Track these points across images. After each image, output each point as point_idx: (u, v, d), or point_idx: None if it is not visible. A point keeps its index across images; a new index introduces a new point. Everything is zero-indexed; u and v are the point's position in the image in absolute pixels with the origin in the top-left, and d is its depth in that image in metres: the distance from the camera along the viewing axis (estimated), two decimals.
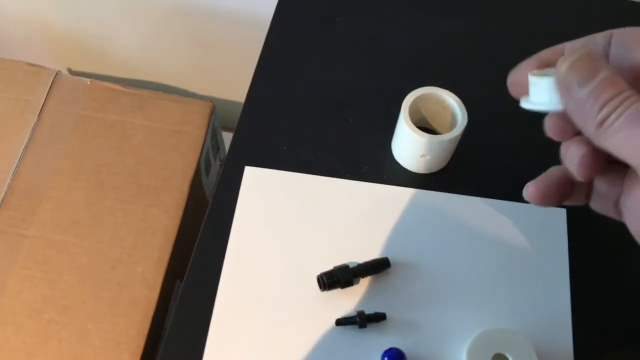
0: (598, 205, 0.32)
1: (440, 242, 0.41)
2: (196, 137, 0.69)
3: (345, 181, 0.43)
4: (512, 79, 0.32)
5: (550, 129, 0.31)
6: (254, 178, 0.43)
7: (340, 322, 0.38)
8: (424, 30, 0.51)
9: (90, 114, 0.69)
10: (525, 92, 0.30)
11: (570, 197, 0.32)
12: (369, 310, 0.39)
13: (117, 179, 0.65)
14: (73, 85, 0.71)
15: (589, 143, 0.28)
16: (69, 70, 0.96)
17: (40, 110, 0.69)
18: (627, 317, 0.40)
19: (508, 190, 0.42)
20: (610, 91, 0.25)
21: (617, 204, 0.30)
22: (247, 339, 0.38)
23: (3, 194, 0.64)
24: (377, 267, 0.40)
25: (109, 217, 0.63)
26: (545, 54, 0.31)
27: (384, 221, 0.42)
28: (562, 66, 0.27)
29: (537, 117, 0.41)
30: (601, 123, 0.25)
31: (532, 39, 0.51)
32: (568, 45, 0.30)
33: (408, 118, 0.40)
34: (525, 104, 0.29)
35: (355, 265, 0.40)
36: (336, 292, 0.40)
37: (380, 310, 0.39)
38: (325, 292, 0.39)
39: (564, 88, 0.27)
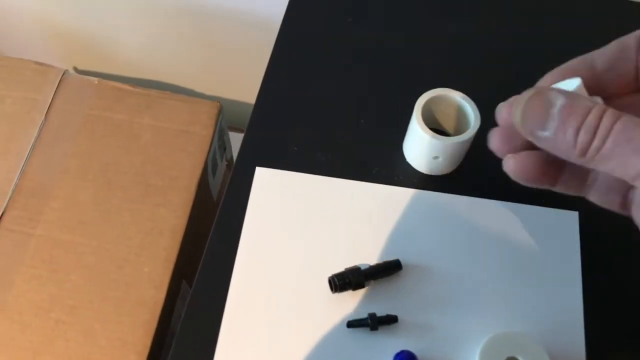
0: (602, 197, 0.29)
1: (451, 244, 0.41)
2: (203, 137, 0.68)
3: (357, 182, 0.43)
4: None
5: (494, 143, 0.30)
6: (265, 179, 0.43)
7: (351, 324, 0.38)
8: (436, 31, 0.51)
9: (98, 113, 0.69)
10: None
11: (560, 182, 0.30)
12: (380, 312, 0.38)
13: (125, 179, 0.65)
14: (80, 84, 0.71)
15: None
16: (75, 70, 0.96)
17: (48, 109, 0.69)
18: None
19: (520, 192, 0.42)
20: (575, 119, 0.24)
21: (625, 197, 0.28)
22: (258, 340, 0.38)
23: (10, 192, 0.64)
24: (389, 269, 0.40)
25: (116, 216, 0.63)
26: (574, 64, 0.29)
27: (395, 223, 0.42)
28: (516, 116, 0.26)
29: None
30: (584, 152, 0.24)
31: (545, 40, 0.51)
32: (596, 55, 0.29)
33: (421, 120, 0.39)
34: None
35: (367, 267, 0.39)
36: (347, 294, 0.39)
37: (391, 312, 0.39)
38: (337, 294, 0.39)
39: (528, 135, 0.26)
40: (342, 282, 0.39)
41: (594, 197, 0.30)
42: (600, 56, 0.29)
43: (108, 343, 0.57)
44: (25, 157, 0.66)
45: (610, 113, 0.24)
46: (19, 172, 0.65)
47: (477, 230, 0.41)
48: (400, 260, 0.40)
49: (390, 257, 0.40)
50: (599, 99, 0.26)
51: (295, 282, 0.40)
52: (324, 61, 0.49)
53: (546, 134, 0.25)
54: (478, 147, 0.42)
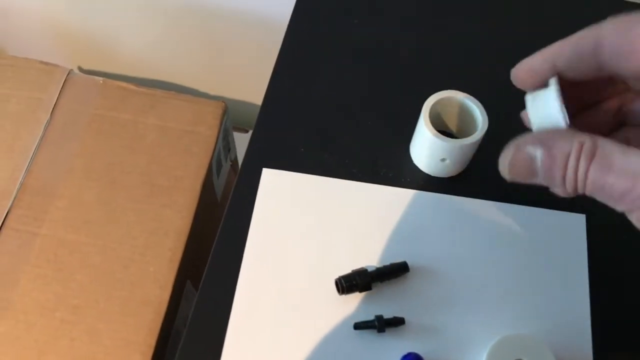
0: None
1: (459, 246, 0.41)
2: (208, 137, 0.68)
3: (364, 184, 0.43)
4: (516, 73, 0.32)
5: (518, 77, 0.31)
6: (271, 180, 0.43)
7: (358, 326, 0.38)
8: (443, 32, 0.51)
9: (103, 113, 0.69)
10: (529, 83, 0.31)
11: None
12: (387, 314, 0.38)
13: (130, 179, 0.65)
14: (85, 84, 0.71)
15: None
16: (80, 69, 0.96)
17: (53, 108, 0.69)
18: None
19: (527, 195, 0.42)
20: (557, 170, 0.27)
21: None
22: (265, 341, 0.38)
23: (15, 192, 0.64)
24: (396, 272, 0.40)
25: (121, 216, 0.63)
26: (537, 63, 0.31)
27: (402, 225, 0.42)
28: (503, 172, 0.29)
29: None
30: (574, 192, 0.27)
31: (550, 41, 0.51)
32: (556, 56, 0.31)
33: (429, 122, 0.39)
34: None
35: (374, 269, 0.39)
36: (354, 296, 0.39)
37: (398, 314, 0.38)
38: (343, 296, 0.39)
39: (520, 180, 0.29)
40: (349, 283, 0.39)
41: None
42: (559, 57, 0.30)
43: (112, 342, 0.57)
44: (30, 156, 0.66)
45: (584, 156, 0.26)
46: (24, 171, 0.65)
47: (484, 232, 0.41)
48: (407, 262, 0.40)
49: (397, 259, 0.40)
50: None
51: (302, 284, 0.40)
52: (331, 62, 0.49)
53: (536, 180, 0.28)
54: (485, 150, 0.42)
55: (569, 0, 0.53)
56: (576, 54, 0.29)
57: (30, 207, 0.63)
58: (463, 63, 0.49)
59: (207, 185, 0.67)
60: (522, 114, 0.32)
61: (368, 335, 0.38)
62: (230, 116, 0.74)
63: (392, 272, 0.39)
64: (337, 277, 0.39)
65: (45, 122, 0.68)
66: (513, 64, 0.49)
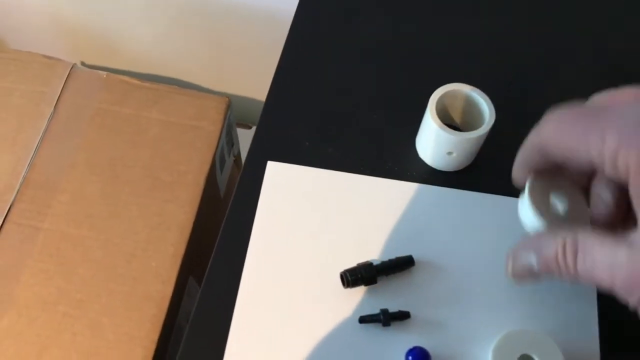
0: None
1: (465, 240, 0.41)
2: (212, 133, 0.68)
3: (369, 178, 0.43)
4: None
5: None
6: (276, 173, 0.43)
7: (363, 319, 0.38)
8: (448, 26, 0.51)
9: (106, 107, 0.69)
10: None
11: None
12: (392, 308, 0.38)
13: (132, 173, 0.65)
14: (89, 78, 0.71)
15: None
16: (83, 65, 0.96)
17: (56, 102, 0.69)
18: None
19: None
20: (553, 269, 0.30)
21: None
22: (269, 335, 0.38)
23: (18, 185, 0.64)
24: (401, 265, 0.39)
25: (123, 211, 0.63)
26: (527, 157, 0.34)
27: (408, 219, 0.41)
28: (510, 279, 0.34)
29: None
30: (574, 281, 0.30)
31: (557, 36, 0.50)
32: (522, 158, 0.35)
33: (435, 115, 0.39)
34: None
35: (379, 262, 0.39)
36: (359, 290, 0.39)
37: (403, 308, 0.38)
38: (348, 290, 0.39)
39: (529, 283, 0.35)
40: (354, 277, 0.38)
41: None
42: (527, 162, 0.34)
43: (115, 337, 0.57)
44: (33, 150, 0.66)
45: (569, 253, 0.29)
46: (27, 165, 0.65)
47: (491, 226, 0.41)
48: (413, 256, 0.39)
49: (403, 253, 0.40)
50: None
51: (307, 277, 0.39)
52: (336, 56, 0.49)
53: (541, 280, 0.33)
54: (491, 143, 0.42)
55: None
56: (535, 157, 0.33)
57: (33, 202, 0.63)
58: (469, 57, 0.49)
59: (211, 181, 0.67)
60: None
61: (373, 329, 0.38)
62: (233, 111, 0.74)
63: (398, 266, 0.39)
64: (342, 270, 0.39)
65: (49, 116, 0.68)
66: (519, 58, 0.49)
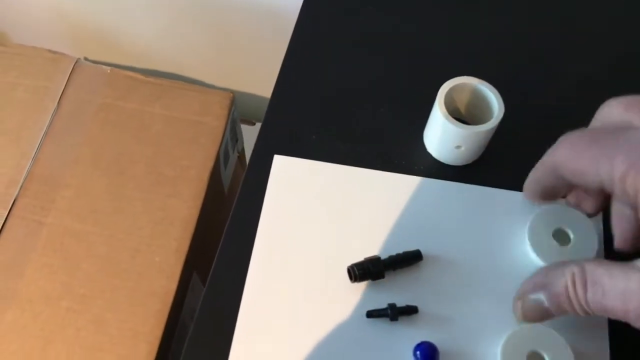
0: None
1: (473, 235, 0.40)
2: (216, 128, 0.68)
3: (377, 172, 0.43)
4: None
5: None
6: (283, 167, 0.43)
7: (371, 314, 0.38)
8: (456, 19, 0.50)
9: (110, 102, 0.69)
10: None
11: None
12: (400, 303, 0.38)
13: (136, 169, 0.65)
14: (93, 73, 0.71)
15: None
16: (85, 59, 0.95)
17: (60, 97, 0.69)
18: None
19: None
20: (564, 304, 0.31)
21: None
22: (275, 329, 0.38)
23: (22, 180, 0.63)
24: (409, 260, 0.39)
25: (127, 206, 0.63)
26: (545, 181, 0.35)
27: (416, 213, 0.41)
28: (519, 319, 0.35)
29: (573, 109, 0.41)
30: (587, 314, 0.30)
31: (565, 30, 0.50)
32: (534, 178, 0.37)
33: (444, 108, 0.39)
34: None
35: (387, 257, 0.39)
36: (366, 284, 0.39)
37: (411, 303, 0.38)
38: (356, 284, 0.39)
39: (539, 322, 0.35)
40: (362, 271, 0.38)
41: None
42: (540, 182, 0.36)
43: (119, 332, 0.57)
44: (37, 145, 0.66)
45: (579, 286, 0.29)
46: (31, 160, 0.65)
47: (499, 221, 0.41)
48: (421, 250, 0.39)
49: (410, 248, 0.39)
50: None
51: (314, 271, 0.39)
52: (343, 50, 0.49)
53: (553, 318, 0.33)
54: (500, 137, 0.41)
55: None
56: (547, 177, 0.34)
57: (37, 196, 0.63)
58: (477, 51, 0.49)
59: (215, 176, 0.67)
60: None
61: (381, 324, 0.38)
62: (237, 107, 0.74)
63: (406, 260, 0.39)
64: (349, 264, 0.39)
65: (52, 111, 0.68)
66: (528, 51, 0.49)
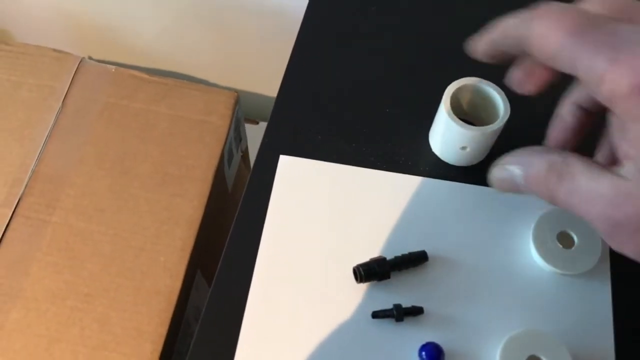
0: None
1: (478, 236, 0.40)
2: (220, 127, 0.68)
3: (382, 172, 0.43)
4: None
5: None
6: (288, 167, 0.43)
7: (376, 314, 0.38)
8: (462, 19, 0.50)
9: (115, 102, 0.69)
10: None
11: None
12: (405, 303, 0.38)
13: (141, 168, 0.65)
14: (97, 72, 0.71)
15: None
16: (90, 59, 0.95)
17: (65, 96, 0.69)
18: None
19: None
20: (533, 186, 0.29)
21: None
22: (281, 329, 0.38)
23: (27, 179, 0.64)
24: (415, 260, 0.39)
25: (132, 205, 0.63)
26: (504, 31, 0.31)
27: (421, 214, 0.41)
28: (493, 187, 0.32)
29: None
30: (555, 202, 0.28)
31: None
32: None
33: (450, 109, 0.39)
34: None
35: (392, 257, 0.39)
36: (372, 285, 0.39)
37: (416, 304, 0.38)
38: (361, 285, 0.39)
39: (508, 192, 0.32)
40: (367, 272, 0.38)
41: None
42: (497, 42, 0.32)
43: (123, 331, 0.57)
44: (42, 144, 0.66)
45: (555, 177, 0.28)
46: (35, 159, 0.65)
47: (504, 223, 0.41)
48: (426, 251, 0.39)
49: (416, 248, 0.39)
50: None
51: (320, 272, 0.39)
52: (348, 49, 0.49)
53: (521, 193, 0.31)
54: (506, 138, 0.41)
55: None
56: (508, 44, 0.31)
57: (42, 195, 0.63)
58: None
59: (219, 175, 0.67)
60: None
61: (386, 325, 0.38)
62: (241, 106, 0.74)
63: (411, 261, 0.39)
64: (355, 265, 0.39)
65: (57, 110, 0.68)
66: None
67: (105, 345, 0.56)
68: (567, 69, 0.27)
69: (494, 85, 0.40)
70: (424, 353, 0.36)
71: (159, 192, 0.64)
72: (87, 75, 0.70)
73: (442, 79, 0.41)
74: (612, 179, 0.26)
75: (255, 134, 0.80)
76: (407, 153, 0.44)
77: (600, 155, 0.32)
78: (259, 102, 0.94)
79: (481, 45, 0.33)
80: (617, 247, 0.26)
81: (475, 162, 0.43)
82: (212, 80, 0.93)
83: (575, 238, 0.39)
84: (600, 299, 0.39)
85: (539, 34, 0.27)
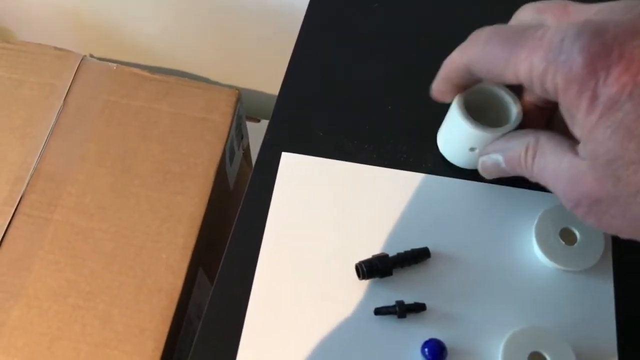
0: None
1: (481, 233, 0.40)
2: (222, 125, 0.68)
3: (384, 169, 0.42)
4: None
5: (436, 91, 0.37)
6: (290, 164, 0.43)
7: (379, 311, 0.38)
8: (470, 16, 0.50)
9: (116, 100, 0.69)
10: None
11: None
12: (408, 300, 0.38)
13: (143, 166, 0.65)
14: (99, 70, 0.71)
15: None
16: (91, 57, 0.95)
17: (66, 94, 0.69)
18: None
19: None
20: (515, 167, 0.34)
21: None
22: (283, 327, 0.38)
23: (28, 177, 0.64)
24: (417, 257, 0.39)
25: (134, 203, 0.63)
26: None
27: (424, 211, 0.41)
28: (482, 174, 0.39)
29: None
30: (534, 179, 0.33)
31: None
32: (446, 72, 0.37)
33: (463, 108, 0.38)
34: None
35: (395, 254, 0.39)
36: (374, 282, 0.39)
37: (419, 300, 0.38)
38: (363, 281, 0.39)
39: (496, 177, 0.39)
40: (370, 269, 0.38)
41: None
42: (452, 77, 0.36)
43: (125, 329, 0.57)
44: (43, 142, 0.66)
45: (529, 156, 0.32)
46: (37, 157, 0.65)
47: (508, 220, 0.41)
48: (429, 248, 0.39)
49: (419, 245, 0.39)
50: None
51: (322, 269, 0.39)
52: (351, 46, 0.48)
53: (508, 175, 0.36)
54: None
55: None
56: (459, 74, 0.34)
57: (43, 193, 0.63)
58: None
59: (221, 173, 0.67)
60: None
61: (388, 321, 0.38)
62: (243, 104, 0.74)
63: (414, 258, 0.39)
64: (357, 262, 0.39)
65: (58, 108, 0.68)
66: None
67: (107, 342, 0.56)
68: (511, 81, 0.30)
69: (506, 88, 0.39)
70: (426, 349, 0.36)
71: (161, 189, 0.64)
72: (88, 73, 0.70)
73: None
74: (571, 158, 0.29)
75: (256, 132, 0.80)
76: (410, 151, 0.44)
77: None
78: (261, 99, 0.94)
79: (440, 87, 0.37)
80: (581, 219, 0.29)
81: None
82: (213, 78, 0.93)
83: (578, 234, 0.38)
84: (603, 295, 0.38)
85: (476, 58, 0.32)
